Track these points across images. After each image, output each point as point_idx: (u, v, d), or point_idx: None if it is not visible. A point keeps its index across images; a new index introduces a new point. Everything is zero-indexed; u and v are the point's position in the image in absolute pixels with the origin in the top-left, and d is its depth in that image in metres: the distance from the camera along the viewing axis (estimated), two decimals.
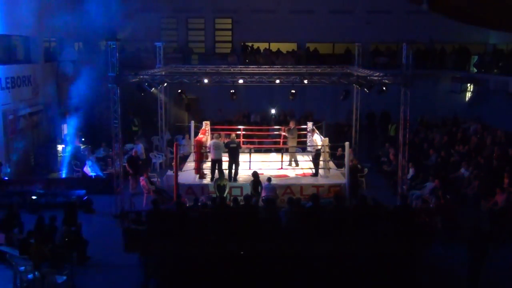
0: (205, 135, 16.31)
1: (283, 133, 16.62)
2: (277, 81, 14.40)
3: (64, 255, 10.34)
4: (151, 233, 10.40)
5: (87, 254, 11.25)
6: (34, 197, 14.38)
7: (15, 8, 17.07)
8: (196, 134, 17.15)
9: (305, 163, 16.27)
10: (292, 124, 16.39)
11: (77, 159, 17.30)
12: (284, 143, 16.78)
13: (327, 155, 15.51)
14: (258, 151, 17.23)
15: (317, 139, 15.53)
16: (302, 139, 17.20)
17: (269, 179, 13.72)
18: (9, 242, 11.10)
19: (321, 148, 15.28)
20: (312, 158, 15.52)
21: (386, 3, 24.47)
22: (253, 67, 18.79)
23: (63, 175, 16.83)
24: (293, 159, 16.28)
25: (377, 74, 14.80)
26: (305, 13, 25.15)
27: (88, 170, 16.54)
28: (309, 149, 16.66)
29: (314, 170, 15.25)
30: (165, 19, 25.74)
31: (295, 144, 16.34)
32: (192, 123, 17.66)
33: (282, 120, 22.67)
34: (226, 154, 14.83)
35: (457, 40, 24.53)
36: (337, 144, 16.25)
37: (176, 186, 13.48)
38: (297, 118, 21.53)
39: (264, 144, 18.53)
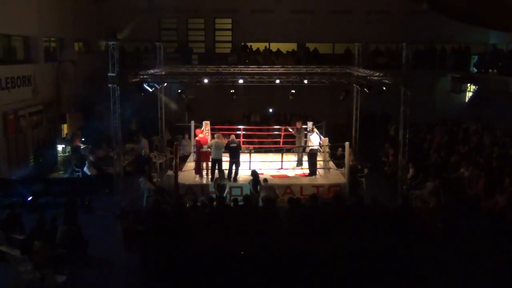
0: (203, 134, 16.18)
1: (292, 133, 16.57)
2: (277, 81, 14.41)
3: (64, 255, 10.33)
4: (151, 233, 10.41)
5: (87, 254, 11.24)
6: (34, 197, 14.35)
7: (15, 8, 17.06)
8: (195, 134, 17.17)
9: (305, 163, 16.27)
10: (299, 124, 16.37)
11: (77, 159, 17.29)
12: (287, 143, 16.72)
13: (327, 155, 15.50)
14: (258, 151, 17.23)
15: (313, 139, 15.49)
16: (304, 139, 17.21)
17: (265, 180, 13.74)
18: (9, 242, 11.09)
19: (317, 148, 15.26)
20: (308, 157, 15.51)
21: (386, 3, 24.48)
22: (253, 67, 18.76)
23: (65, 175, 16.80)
24: (298, 160, 16.25)
25: (377, 74, 14.80)
26: (305, 13, 25.15)
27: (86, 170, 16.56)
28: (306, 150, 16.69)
29: (309, 170, 15.22)
30: (165, 19, 25.77)
31: (302, 144, 16.35)
32: (192, 123, 17.66)
33: (282, 120, 22.65)
34: (226, 154, 14.84)
35: (457, 40, 24.53)
36: (337, 144, 16.24)
37: (176, 186, 13.48)
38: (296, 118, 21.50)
39: (264, 144, 18.53)
